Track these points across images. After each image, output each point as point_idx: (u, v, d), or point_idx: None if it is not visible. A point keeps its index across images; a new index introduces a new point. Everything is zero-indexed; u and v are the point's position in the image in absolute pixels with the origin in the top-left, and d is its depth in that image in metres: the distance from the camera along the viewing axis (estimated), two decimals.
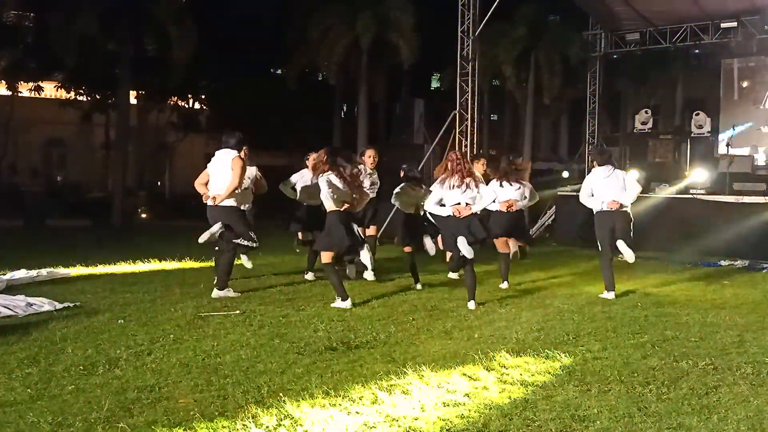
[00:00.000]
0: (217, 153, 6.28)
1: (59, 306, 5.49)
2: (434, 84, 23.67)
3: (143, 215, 19.53)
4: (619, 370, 3.87)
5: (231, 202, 6.15)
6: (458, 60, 11.90)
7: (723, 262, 9.19)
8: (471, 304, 5.77)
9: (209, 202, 6.17)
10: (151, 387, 3.46)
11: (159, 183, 26.06)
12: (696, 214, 10.24)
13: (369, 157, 7.00)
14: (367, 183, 6.62)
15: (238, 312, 5.40)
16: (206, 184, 6.27)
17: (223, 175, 6.11)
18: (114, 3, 15.76)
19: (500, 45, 16.07)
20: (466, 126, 11.84)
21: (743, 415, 3.18)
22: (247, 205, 6.43)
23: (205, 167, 6.35)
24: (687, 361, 4.10)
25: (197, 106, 24.60)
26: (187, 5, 17.99)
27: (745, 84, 14.64)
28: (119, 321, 5.00)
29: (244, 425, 2.95)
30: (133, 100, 20.40)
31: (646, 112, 14.62)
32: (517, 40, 16.31)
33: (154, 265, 8.29)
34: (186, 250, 9.07)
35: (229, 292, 6.16)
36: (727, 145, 13.04)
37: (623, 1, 13.26)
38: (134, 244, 11.25)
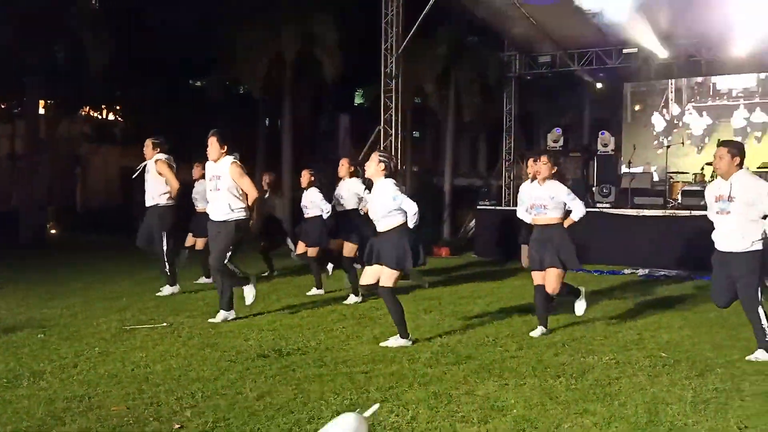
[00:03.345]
0: None
1: None
2: (358, 100, 24.01)
3: (52, 230, 18.59)
4: (533, 366, 4.20)
5: None
6: (382, 77, 12.24)
7: (626, 271, 9.90)
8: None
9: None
10: (80, 397, 3.43)
11: (69, 193, 24.77)
12: (602, 226, 10.97)
13: (303, 176, 7.36)
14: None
15: (165, 324, 5.36)
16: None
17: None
18: (26, 10, 15.07)
19: (422, 63, 16.56)
20: (390, 142, 12.17)
21: (641, 401, 3.56)
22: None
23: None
24: (593, 356, 4.50)
25: (111, 117, 23.73)
26: (103, 13, 17.45)
27: (637, 107, 15.92)
28: (39, 335, 4.86)
29: (178, 429, 3.01)
30: (41, 110, 19.43)
31: (557, 131, 15.50)
32: (438, 59, 16.87)
33: (71, 279, 8.00)
34: (105, 265, 8.80)
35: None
36: (629, 162, 14.12)
37: (534, 26, 14.09)
38: (46, 259, 10.75)
